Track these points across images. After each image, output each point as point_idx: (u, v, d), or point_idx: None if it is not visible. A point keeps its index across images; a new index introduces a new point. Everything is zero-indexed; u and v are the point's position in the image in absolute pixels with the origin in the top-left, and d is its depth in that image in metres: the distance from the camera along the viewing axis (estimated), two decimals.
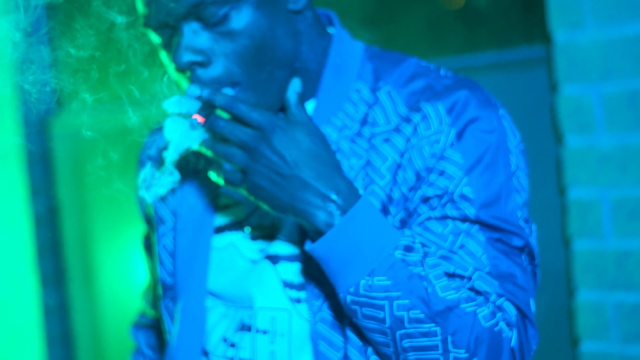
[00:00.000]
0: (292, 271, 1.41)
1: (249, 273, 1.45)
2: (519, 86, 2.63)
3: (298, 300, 1.40)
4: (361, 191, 1.37)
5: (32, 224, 3.94)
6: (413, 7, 3.00)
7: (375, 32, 2.90)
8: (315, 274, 1.38)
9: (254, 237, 1.47)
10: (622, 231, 2.41)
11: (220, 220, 1.51)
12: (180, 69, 1.33)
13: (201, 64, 1.33)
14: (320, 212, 1.27)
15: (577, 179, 2.46)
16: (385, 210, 1.36)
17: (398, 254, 1.26)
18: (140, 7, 1.35)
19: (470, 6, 2.95)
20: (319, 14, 1.49)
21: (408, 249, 1.27)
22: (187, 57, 1.32)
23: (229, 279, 1.47)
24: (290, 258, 1.42)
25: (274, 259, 1.43)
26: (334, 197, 1.27)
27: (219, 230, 1.51)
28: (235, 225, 1.49)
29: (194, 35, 1.33)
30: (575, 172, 2.46)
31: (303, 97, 1.36)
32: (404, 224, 1.36)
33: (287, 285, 1.41)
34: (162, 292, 1.57)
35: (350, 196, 1.28)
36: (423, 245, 1.32)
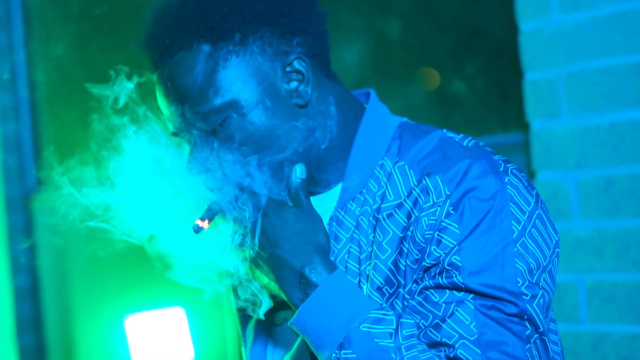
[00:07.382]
0: None
1: (303, 346, 1.49)
2: None
3: None
4: (355, 268, 1.41)
5: (13, 299, 3.93)
6: (393, 92, 3.05)
7: None
8: None
9: None
10: (597, 315, 2.44)
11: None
12: (192, 174, 1.41)
13: (209, 169, 1.40)
14: (294, 289, 1.33)
15: None
16: (390, 283, 1.39)
17: (364, 327, 1.29)
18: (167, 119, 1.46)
19: (449, 94, 3.00)
20: (357, 93, 1.54)
21: (377, 321, 1.30)
22: (195, 164, 1.40)
23: (286, 353, 1.53)
24: None
25: None
26: (306, 273, 1.32)
27: (276, 308, 1.54)
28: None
29: (202, 142, 1.41)
30: None
31: (307, 182, 1.41)
32: (413, 295, 1.38)
33: None
34: None
35: (324, 272, 1.33)
36: (421, 313, 1.33)
